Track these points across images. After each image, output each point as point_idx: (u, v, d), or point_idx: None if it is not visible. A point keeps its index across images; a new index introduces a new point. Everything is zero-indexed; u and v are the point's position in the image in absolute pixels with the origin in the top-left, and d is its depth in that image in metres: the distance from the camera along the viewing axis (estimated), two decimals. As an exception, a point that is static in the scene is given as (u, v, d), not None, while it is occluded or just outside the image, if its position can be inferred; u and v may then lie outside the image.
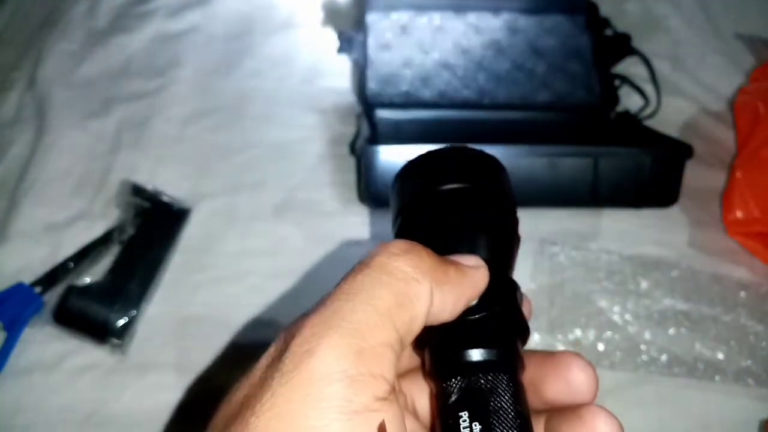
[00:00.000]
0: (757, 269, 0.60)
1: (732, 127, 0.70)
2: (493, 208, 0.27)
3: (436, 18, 0.72)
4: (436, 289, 0.22)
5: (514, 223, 0.28)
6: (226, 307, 0.55)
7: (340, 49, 0.69)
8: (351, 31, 0.69)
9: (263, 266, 0.58)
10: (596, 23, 0.73)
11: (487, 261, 0.25)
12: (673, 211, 0.63)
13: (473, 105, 0.66)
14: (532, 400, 0.25)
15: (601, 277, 0.58)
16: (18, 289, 0.54)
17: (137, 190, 0.60)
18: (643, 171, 0.60)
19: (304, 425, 0.19)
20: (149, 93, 0.68)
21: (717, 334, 0.56)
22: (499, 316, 0.24)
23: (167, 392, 0.51)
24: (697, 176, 0.63)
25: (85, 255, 0.56)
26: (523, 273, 0.57)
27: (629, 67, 0.73)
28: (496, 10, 0.73)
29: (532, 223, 0.59)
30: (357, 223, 0.60)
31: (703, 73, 0.74)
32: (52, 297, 0.54)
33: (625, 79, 0.71)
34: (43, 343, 0.53)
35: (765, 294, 0.58)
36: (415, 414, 0.27)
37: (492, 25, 0.72)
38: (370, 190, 0.58)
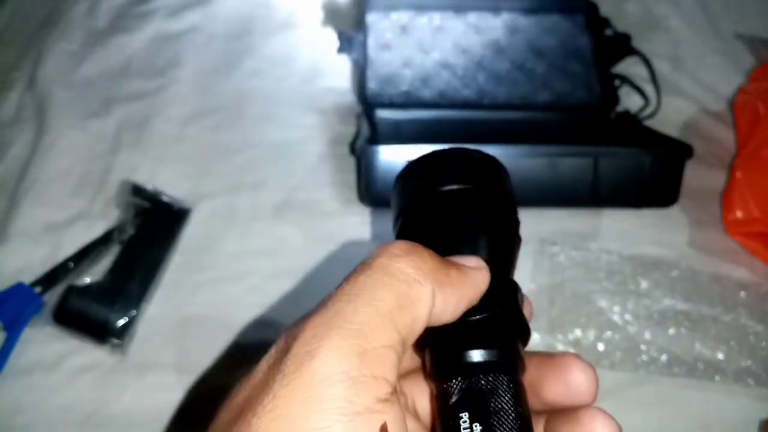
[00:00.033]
0: (757, 269, 0.60)
1: (732, 127, 0.70)
2: (494, 209, 0.27)
3: (436, 18, 0.72)
4: (437, 290, 0.22)
5: (515, 224, 0.28)
6: (226, 307, 0.55)
7: (340, 49, 0.69)
8: (351, 31, 0.69)
9: (263, 266, 0.58)
10: (596, 23, 0.73)
11: (488, 262, 0.25)
12: (673, 211, 0.63)
13: (473, 105, 0.66)
14: (532, 401, 0.24)
15: (601, 277, 0.58)
16: (18, 289, 0.54)
17: (137, 190, 0.60)
18: (643, 171, 0.60)
19: (305, 427, 0.19)
20: (149, 93, 0.68)
21: (717, 334, 0.56)
22: (500, 317, 0.24)
23: (167, 392, 0.51)
24: (697, 176, 0.63)
25: (85, 255, 0.56)
26: (523, 273, 0.57)
27: (629, 67, 0.73)
28: (496, 10, 0.73)
29: (532, 223, 0.59)
30: (357, 223, 0.60)
31: (703, 73, 0.74)
32: (52, 297, 0.54)
33: (625, 79, 0.71)
34: (43, 343, 0.53)
35: (765, 294, 0.58)
36: (415, 415, 0.27)
37: (492, 25, 0.72)
38: (370, 190, 0.58)
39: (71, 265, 0.56)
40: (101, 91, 0.68)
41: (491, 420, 0.22)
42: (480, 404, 0.22)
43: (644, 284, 0.58)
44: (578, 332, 0.55)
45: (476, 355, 0.23)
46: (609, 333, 0.55)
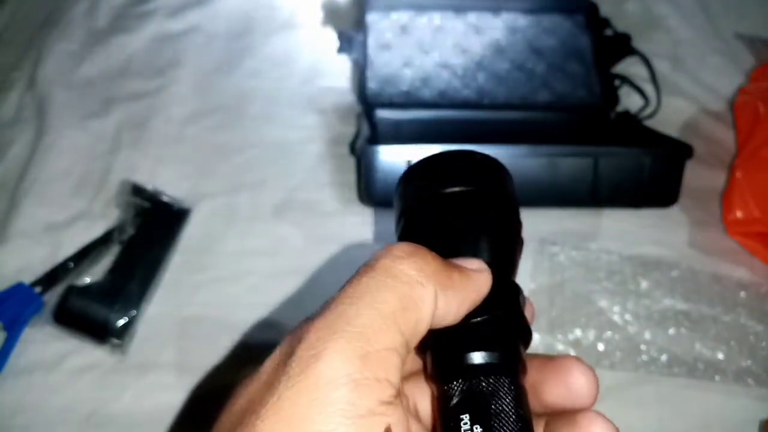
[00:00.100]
0: (757, 269, 0.60)
1: (732, 127, 0.70)
2: (496, 211, 0.27)
3: (436, 18, 0.72)
4: (440, 292, 0.22)
5: (518, 226, 0.28)
6: (226, 307, 0.55)
7: (340, 49, 0.69)
8: (351, 31, 0.69)
9: (263, 266, 0.58)
10: (596, 23, 0.73)
11: (490, 264, 0.25)
12: (673, 211, 0.63)
13: (473, 105, 0.66)
14: (532, 403, 0.24)
15: (601, 277, 0.58)
16: (18, 289, 0.54)
17: (137, 190, 0.60)
18: (643, 171, 0.60)
19: (309, 429, 0.19)
20: (149, 93, 0.68)
21: (717, 334, 0.56)
22: (502, 319, 0.24)
23: (167, 392, 0.51)
24: (697, 176, 0.64)
25: (85, 255, 0.56)
26: (523, 273, 0.57)
27: (629, 67, 0.73)
28: (496, 10, 0.73)
29: (532, 223, 0.59)
30: (357, 223, 0.60)
31: (703, 73, 0.74)
32: (52, 297, 0.54)
33: (625, 79, 0.71)
34: (43, 343, 0.53)
35: (765, 294, 0.58)
36: (417, 416, 0.27)
37: (492, 25, 0.72)
38: (370, 190, 0.58)
39: (71, 265, 0.56)
40: (101, 91, 0.68)
41: (492, 422, 0.22)
42: (481, 406, 0.22)
43: (644, 284, 0.58)
44: (578, 332, 0.55)
45: (477, 357, 0.23)
46: (609, 333, 0.55)
